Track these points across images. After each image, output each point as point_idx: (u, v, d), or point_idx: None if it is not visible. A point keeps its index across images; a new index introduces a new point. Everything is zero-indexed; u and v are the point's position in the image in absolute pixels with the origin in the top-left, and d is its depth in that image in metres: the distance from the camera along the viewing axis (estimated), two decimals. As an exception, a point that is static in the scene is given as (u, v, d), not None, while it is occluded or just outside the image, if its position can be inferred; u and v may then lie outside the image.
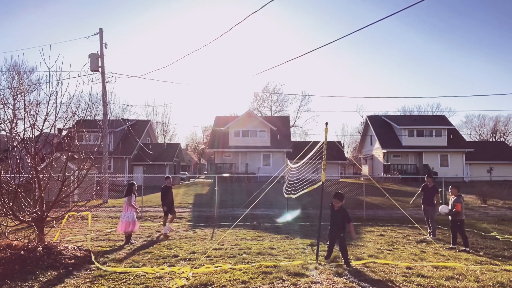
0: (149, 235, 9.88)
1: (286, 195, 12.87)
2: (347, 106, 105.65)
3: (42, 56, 7.36)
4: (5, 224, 7.33)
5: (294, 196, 10.28)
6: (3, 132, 8.90)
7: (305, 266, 6.43)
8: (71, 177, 8.10)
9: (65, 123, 8.62)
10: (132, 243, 8.76)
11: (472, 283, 5.45)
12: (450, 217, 8.67)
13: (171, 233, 10.22)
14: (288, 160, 15.87)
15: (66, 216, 8.51)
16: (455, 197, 8.59)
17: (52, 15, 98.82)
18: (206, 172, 45.07)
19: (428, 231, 10.18)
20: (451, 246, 8.50)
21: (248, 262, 6.62)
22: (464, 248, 8.15)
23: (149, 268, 6.32)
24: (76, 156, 8.15)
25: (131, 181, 9.45)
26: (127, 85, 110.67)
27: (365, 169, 42.92)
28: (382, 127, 38.93)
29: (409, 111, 65.40)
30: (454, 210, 8.50)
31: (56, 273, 5.97)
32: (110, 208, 16.76)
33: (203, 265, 6.54)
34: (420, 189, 10.58)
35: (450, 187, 8.91)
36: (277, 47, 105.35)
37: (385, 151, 35.81)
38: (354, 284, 5.44)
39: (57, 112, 7.51)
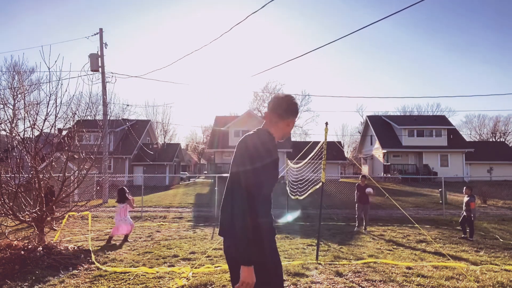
0: (149, 235, 9.89)
1: (292, 197, 12.86)
2: (347, 106, 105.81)
3: (42, 56, 7.36)
4: (5, 224, 7.34)
5: (301, 198, 10.29)
6: (3, 132, 8.88)
7: (305, 266, 6.42)
8: (71, 177, 8.10)
9: (65, 123, 8.63)
10: (130, 241, 8.86)
11: (472, 283, 5.45)
12: (464, 213, 9.61)
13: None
14: (288, 160, 15.86)
15: (66, 216, 8.52)
16: (469, 197, 9.56)
17: (52, 15, 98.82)
18: (206, 172, 45.09)
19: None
20: (463, 236, 9.62)
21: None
22: (469, 238, 9.40)
23: (149, 268, 6.32)
24: (76, 156, 8.15)
25: (121, 187, 9.39)
26: (127, 85, 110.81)
27: (365, 169, 42.91)
28: (382, 127, 38.93)
29: (409, 111, 65.49)
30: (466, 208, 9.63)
31: (56, 273, 5.97)
32: (110, 208, 16.77)
33: (203, 265, 6.54)
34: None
35: (464, 188, 9.81)
36: (277, 47, 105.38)
37: (385, 151, 35.82)
38: (354, 284, 5.45)
39: (57, 112, 7.52)
